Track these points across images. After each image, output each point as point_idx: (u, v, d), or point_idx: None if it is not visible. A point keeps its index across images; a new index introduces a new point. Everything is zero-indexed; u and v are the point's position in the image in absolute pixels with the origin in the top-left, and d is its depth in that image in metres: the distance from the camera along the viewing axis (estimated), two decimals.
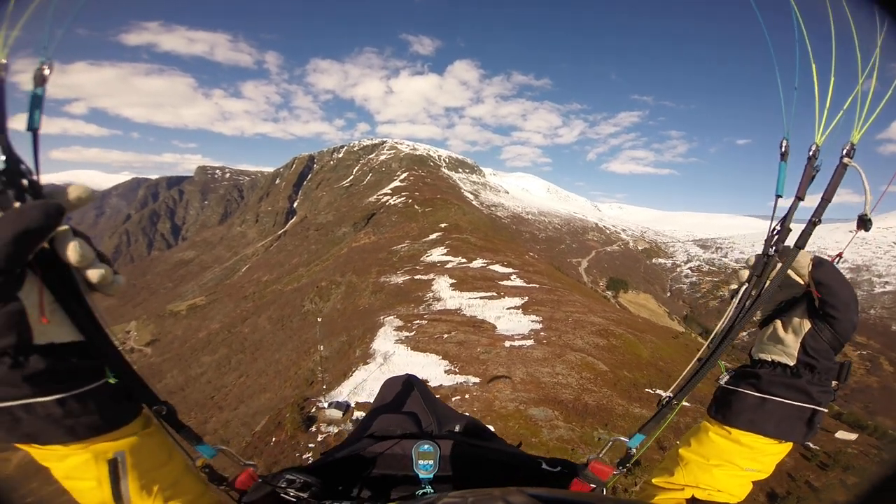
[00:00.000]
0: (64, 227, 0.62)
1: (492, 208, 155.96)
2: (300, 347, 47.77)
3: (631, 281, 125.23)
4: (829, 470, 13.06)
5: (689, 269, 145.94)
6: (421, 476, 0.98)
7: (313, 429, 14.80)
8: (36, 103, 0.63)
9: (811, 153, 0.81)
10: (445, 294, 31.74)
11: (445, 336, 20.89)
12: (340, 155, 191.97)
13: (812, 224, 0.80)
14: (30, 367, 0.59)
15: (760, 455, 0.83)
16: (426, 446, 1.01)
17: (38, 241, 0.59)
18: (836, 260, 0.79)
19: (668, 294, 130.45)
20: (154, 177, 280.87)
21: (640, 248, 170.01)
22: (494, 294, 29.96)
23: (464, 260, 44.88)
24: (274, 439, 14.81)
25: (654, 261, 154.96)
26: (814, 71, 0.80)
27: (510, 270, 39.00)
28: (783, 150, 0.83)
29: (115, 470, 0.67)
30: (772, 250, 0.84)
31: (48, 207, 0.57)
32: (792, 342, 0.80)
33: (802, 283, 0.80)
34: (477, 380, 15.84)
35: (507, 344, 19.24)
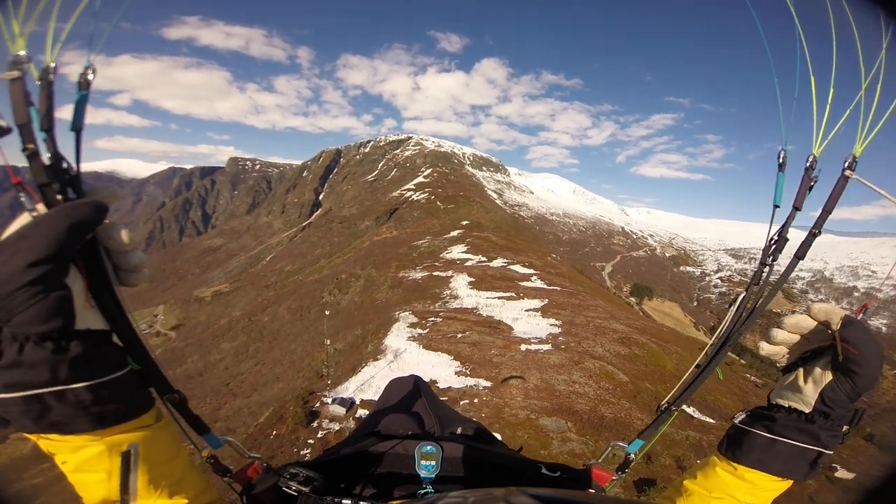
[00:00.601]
0: (108, 222, 0.67)
1: (515, 208, 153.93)
2: (315, 339, 47.98)
3: (656, 288, 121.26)
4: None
5: (719, 278, 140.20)
6: (423, 476, 1.00)
7: (315, 424, 14.37)
8: (80, 105, 0.67)
9: (808, 164, 0.82)
10: (463, 292, 30.99)
11: (459, 336, 20.15)
12: (367, 150, 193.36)
13: (812, 235, 0.83)
14: (71, 352, 0.62)
15: (760, 491, 0.87)
16: (429, 447, 1.03)
17: (88, 233, 0.63)
18: (861, 313, 0.79)
19: (695, 303, 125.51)
20: (189, 167, 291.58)
21: (667, 254, 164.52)
22: (513, 294, 29.02)
23: (484, 258, 44.00)
24: (274, 432, 14.47)
25: (681, 268, 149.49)
26: (812, 79, 0.80)
27: (531, 271, 37.89)
28: (781, 160, 0.85)
29: (126, 462, 0.68)
30: (769, 260, 0.88)
31: (98, 204, 0.62)
32: (811, 392, 0.82)
33: (829, 335, 0.81)
34: (488, 384, 15.03)
35: (523, 347, 18.34)
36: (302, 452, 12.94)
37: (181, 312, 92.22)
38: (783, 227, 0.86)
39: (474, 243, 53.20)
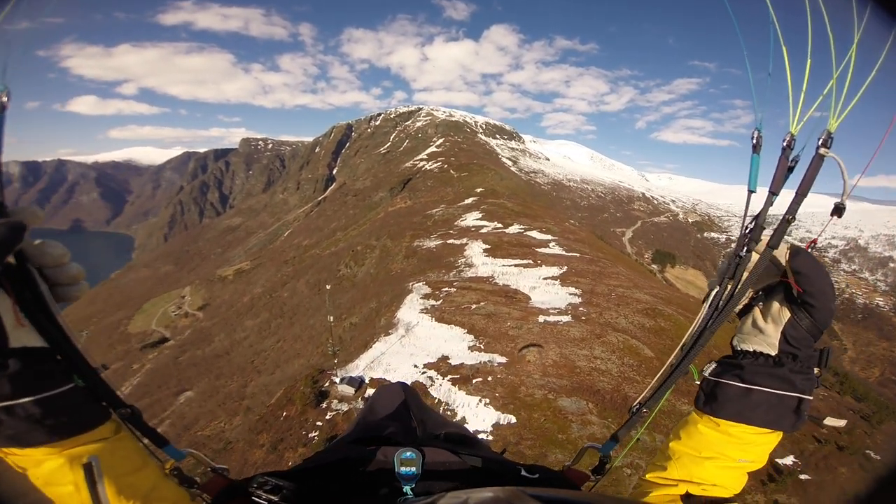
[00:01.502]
0: (36, 242, 0.68)
1: (531, 174, 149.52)
2: (332, 313, 48.02)
3: (679, 255, 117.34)
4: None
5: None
6: (403, 482, 1.00)
7: (324, 405, 13.74)
8: None
9: (785, 143, 0.78)
10: (478, 260, 29.80)
11: (473, 307, 19.11)
12: (377, 122, 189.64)
13: (786, 221, 0.79)
14: (10, 369, 0.64)
15: (751, 446, 0.84)
16: (409, 453, 1.03)
17: (6, 253, 0.64)
18: (811, 247, 0.79)
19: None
20: (203, 150, 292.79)
21: (690, 220, 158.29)
22: (530, 262, 27.68)
23: (499, 225, 42.48)
24: (284, 414, 13.95)
25: (705, 235, 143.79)
26: (785, 54, 0.74)
27: (549, 237, 36.30)
28: (755, 141, 0.79)
29: (90, 474, 0.69)
30: (744, 251, 0.82)
31: (13, 224, 0.64)
32: (772, 332, 0.81)
33: (779, 271, 0.80)
34: (503, 359, 14.01)
35: (541, 319, 17.20)
36: (310, 435, 12.37)
37: (206, 292, 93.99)
38: (760, 213, 0.80)
39: (489, 210, 51.55)
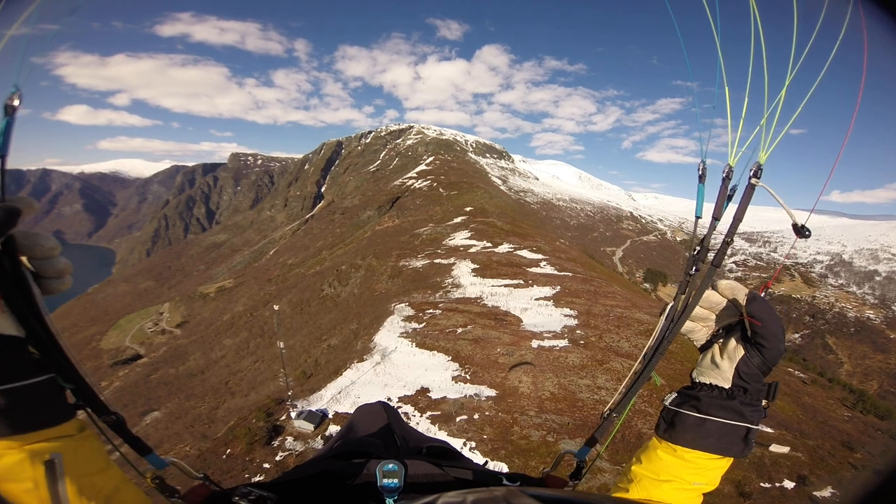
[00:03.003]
0: (30, 231, 0.68)
1: (520, 193, 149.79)
2: (313, 334, 46.26)
3: (670, 273, 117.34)
4: None
5: (734, 263, 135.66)
6: (385, 494, 1.00)
7: (276, 443, 11.70)
8: (6, 131, 0.68)
9: (724, 174, 0.86)
10: (466, 280, 28.11)
11: (460, 331, 17.32)
12: (368, 140, 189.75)
13: (725, 244, 0.88)
14: None
15: (704, 470, 0.91)
16: (391, 465, 1.02)
17: None
18: (764, 291, 0.86)
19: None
20: (191, 164, 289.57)
21: (678, 238, 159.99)
22: (521, 282, 26.08)
23: (489, 244, 41.04)
24: (228, 451, 11.81)
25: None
26: (726, 92, 0.84)
27: (539, 256, 34.86)
28: (700, 171, 0.88)
29: (52, 471, 0.66)
30: (693, 269, 0.91)
31: (8, 208, 0.64)
32: (727, 367, 0.88)
33: (738, 312, 0.88)
34: (492, 392, 12.14)
35: (535, 344, 15.45)
36: (254, 479, 10.28)
37: (186, 309, 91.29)
38: (704, 237, 0.89)
39: (478, 229, 50.24)
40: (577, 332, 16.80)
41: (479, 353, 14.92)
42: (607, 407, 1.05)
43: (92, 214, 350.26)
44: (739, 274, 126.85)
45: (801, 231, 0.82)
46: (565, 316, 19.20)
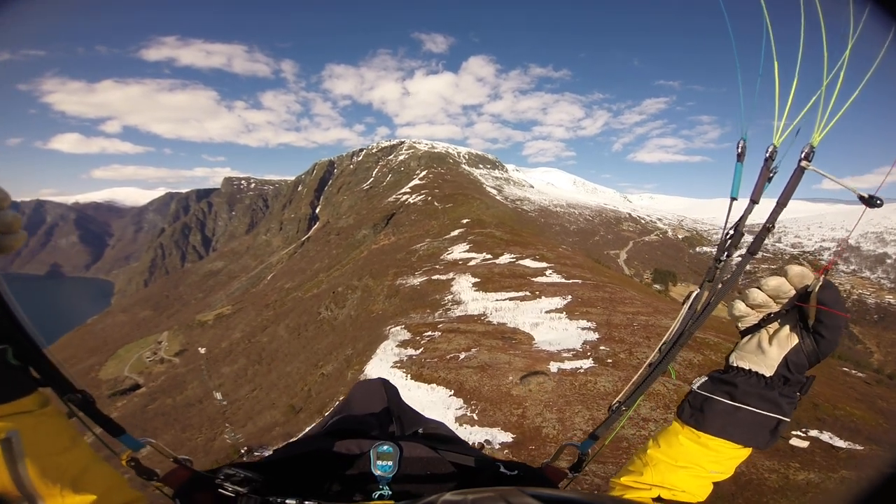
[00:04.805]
0: None
1: (517, 202, 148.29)
2: (310, 359, 44.36)
3: (678, 272, 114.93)
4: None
5: (740, 256, 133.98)
6: (379, 476, 0.98)
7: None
8: None
9: (767, 154, 0.81)
10: (467, 296, 25.79)
11: (462, 356, 14.92)
12: (360, 158, 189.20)
13: (766, 230, 0.84)
14: None
15: (724, 458, 0.88)
16: (386, 447, 1.00)
17: None
18: (824, 275, 0.80)
19: (720, 285, 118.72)
20: (185, 190, 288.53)
21: (680, 236, 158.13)
22: (527, 293, 23.76)
23: (489, 256, 38.82)
24: None
25: (697, 249, 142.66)
26: (776, 67, 0.78)
27: (544, 265, 32.61)
28: (739, 150, 0.83)
29: (10, 450, 0.61)
30: (724, 255, 0.88)
31: None
32: (775, 355, 0.83)
33: (798, 296, 0.82)
34: (508, 437, 9.63)
35: (554, 367, 13.03)
36: None
37: (184, 338, 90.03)
38: (739, 220, 0.85)
39: (477, 241, 48.10)
40: (602, 348, 14.42)
41: (486, 383, 12.51)
42: (616, 399, 1.00)
43: (88, 246, 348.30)
44: (748, 267, 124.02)
45: (871, 202, 0.74)
46: (583, 329, 16.83)
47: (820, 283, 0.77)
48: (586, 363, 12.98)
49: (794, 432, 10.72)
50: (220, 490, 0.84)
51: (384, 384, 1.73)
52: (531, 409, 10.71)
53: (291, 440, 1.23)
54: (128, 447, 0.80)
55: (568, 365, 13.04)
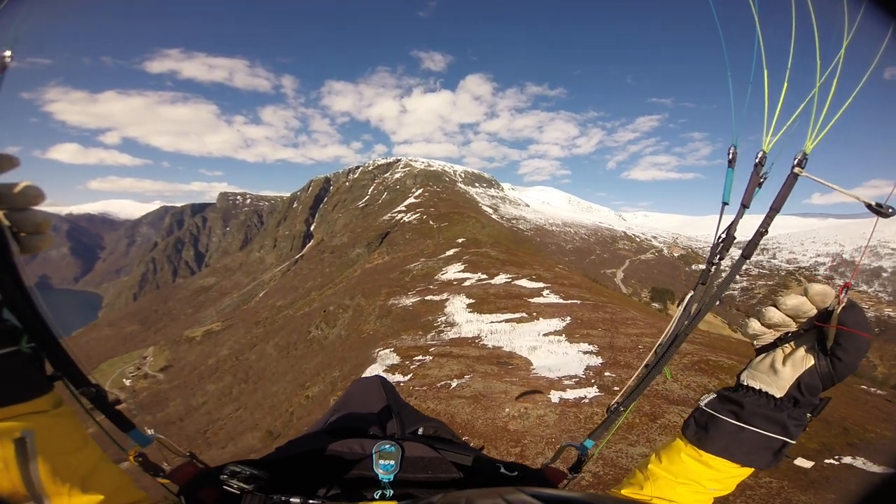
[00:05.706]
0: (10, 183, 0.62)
1: (512, 221, 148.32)
2: (296, 380, 42.81)
3: (676, 290, 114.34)
4: None
5: (733, 259, 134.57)
6: (380, 476, 0.98)
7: None
8: None
9: (757, 160, 0.81)
10: (461, 317, 24.64)
11: (455, 384, 13.71)
12: (356, 175, 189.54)
13: (759, 234, 0.84)
14: None
15: (724, 477, 0.88)
16: (388, 446, 1.01)
17: None
18: (844, 293, 0.76)
19: (718, 302, 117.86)
20: (180, 205, 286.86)
21: (675, 254, 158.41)
22: (524, 315, 22.68)
23: (484, 276, 37.82)
24: None
25: (693, 267, 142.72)
26: (765, 73, 0.78)
27: (541, 285, 31.63)
28: (731, 156, 0.84)
29: (22, 450, 0.59)
30: (717, 259, 0.88)
31: None
32: (788, 376, 0.80)
33: (830, 323, 0.78)
34: None
35: (555, 397, 11.85)
36: None
37: (171, 353, 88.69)
38: (731, 225, 0.85)
39: (472, 260, 47.18)
40: (606, 374, 13.28)
41: (480, 416, 11.31)
42: (614, 400, 1.01)
43: (79, 258, 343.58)
44: (745, 283, 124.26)
45: (880, 210, 0.70)
46: (584, 353, 15.71)
47: (843, 304, 0.73)
48: (590, 392, 11.85)
49: (826, 461, 9.66)
50: (224, 487, 0.85)
51: (382, 382, 1.73)
52: (530, 446, 9.56)
53: (293, 438, 1.23)
54: (136, 442, 0.82)
55: (570, 394, 11.90)
